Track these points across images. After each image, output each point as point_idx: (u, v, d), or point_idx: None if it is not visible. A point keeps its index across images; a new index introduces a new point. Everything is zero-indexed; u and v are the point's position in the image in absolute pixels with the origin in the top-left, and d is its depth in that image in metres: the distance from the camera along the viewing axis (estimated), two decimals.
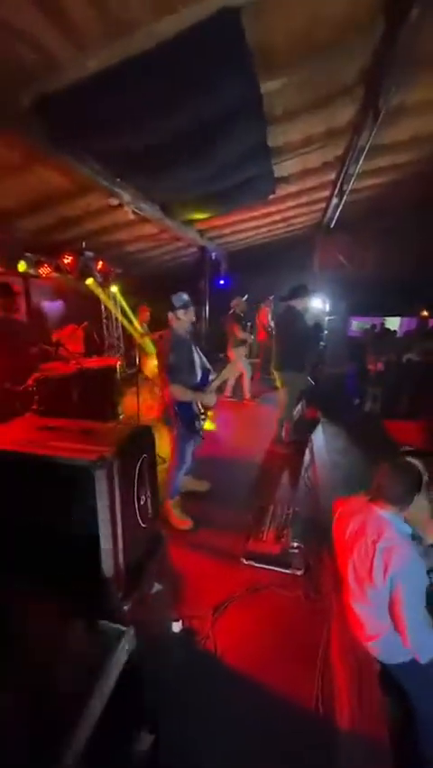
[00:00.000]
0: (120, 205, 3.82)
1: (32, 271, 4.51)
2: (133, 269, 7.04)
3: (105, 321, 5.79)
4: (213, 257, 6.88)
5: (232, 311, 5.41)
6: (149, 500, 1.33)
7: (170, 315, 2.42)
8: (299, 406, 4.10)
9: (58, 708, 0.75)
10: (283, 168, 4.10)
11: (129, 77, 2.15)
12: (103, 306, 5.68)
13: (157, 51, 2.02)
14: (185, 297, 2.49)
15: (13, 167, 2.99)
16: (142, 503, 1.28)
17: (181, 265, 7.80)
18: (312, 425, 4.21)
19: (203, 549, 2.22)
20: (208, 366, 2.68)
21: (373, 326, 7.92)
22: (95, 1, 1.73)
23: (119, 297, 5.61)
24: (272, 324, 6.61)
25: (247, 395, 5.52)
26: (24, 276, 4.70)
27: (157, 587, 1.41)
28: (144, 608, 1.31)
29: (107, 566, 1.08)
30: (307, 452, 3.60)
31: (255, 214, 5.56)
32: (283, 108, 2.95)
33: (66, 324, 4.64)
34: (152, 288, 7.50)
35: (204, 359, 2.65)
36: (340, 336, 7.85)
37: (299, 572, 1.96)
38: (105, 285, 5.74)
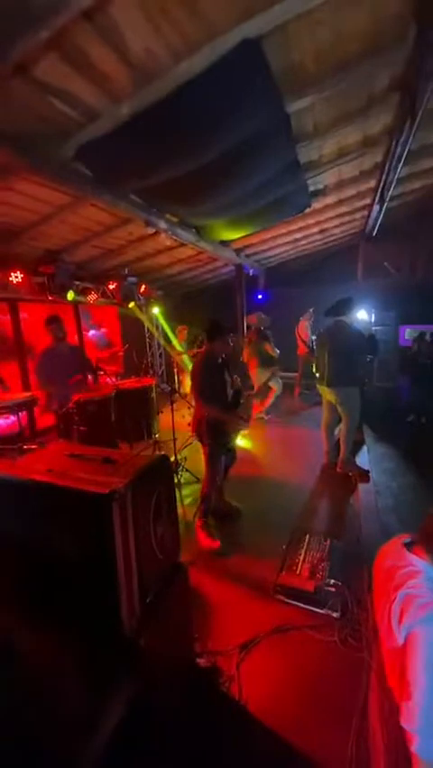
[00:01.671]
0: (157, 233, 4.02)
1: (80, 299, 4.91)
2: (174, 290, 7.33)
3: (147, 341, 6.04)
4: (250, 273, 6.91)
5: (254, 328, 5.21)
6: (167, 531, 1.32)
7: (219, 338, 2.54)
8: (338, 428, 3.85)
9: None
10: (318, 180, 4.04)
11: (158, 119, 2.28)
12: (146, 328, 5.95)
13: (183, 92, 2.12)
14: (222, 324, 2.60)
15: (60, 207, 3.30)
16: (159, 534, 1.27)
17: (220, 283, 7.95)
18: (356, 447, 3.93)
19: (231, 577, 2.14)
20: (240, 388, 2.67)
21: (423, 334, 7.26)
22: (122, 55, 1.87)
23: (160, 319, 5.84)
24: (313, 338, 6.40)
25: (257, 411, 5.23)
26: (73, 303, 5.11)
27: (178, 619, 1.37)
28: (163, 641, 1.28)
29: (121, 599, 1.07)
30: (349, 475, 3.36)
31: (293, 227, 5.51)
32: (314, 124, 2.92)
33: (110, 346, 4.93)
34: (192, 306, 7.74)
35: (235, 380, 2.65)
36: (390, 348, 7.36)
37: (334, 614, 1.79)
38: (146, 307, 6.03)
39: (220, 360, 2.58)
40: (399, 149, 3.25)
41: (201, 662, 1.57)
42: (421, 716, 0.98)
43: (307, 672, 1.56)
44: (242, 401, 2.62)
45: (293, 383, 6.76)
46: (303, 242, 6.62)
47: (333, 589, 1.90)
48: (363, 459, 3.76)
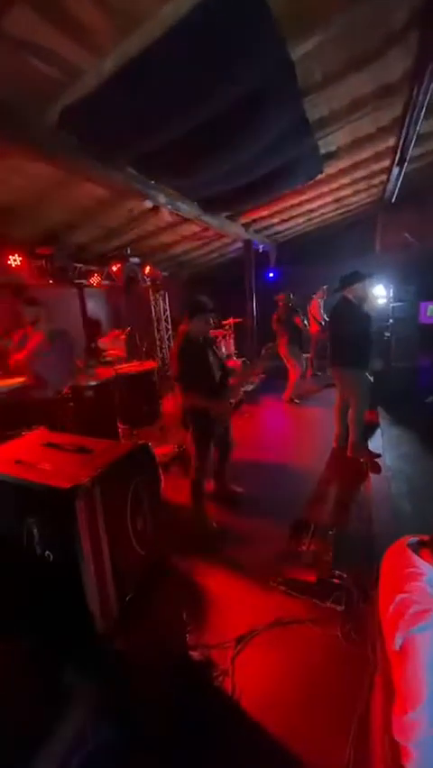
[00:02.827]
0: (156, 208, 3.81)
1: (84, 282, 4.81)
2: (180, 271, 7.10)
3: (155, 324, 5.92)
4: (260, 250, 6.58)
5: (284, 302, 5.06)
6: (149, 525, 1.23)
7: (197, 317, 2.31)
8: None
9: None
10: (330, 141, 3.69)
11: (146, 70, 2.06)
12: (153, 310, 5.82)
13: (170, 37, 1.89)
14: (203, 302, 2.36)
15: (54, 184, 3.14)
16: (139, 527, 1.18)
17: (229, 262, 7.64)
18: (369, 431, 3.74)
19: (230, 565, 2.06)
20: (227, 367, 2.51)
21: None
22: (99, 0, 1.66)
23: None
24: (325, 316, 6.11)
25: (288, 396, 5.09)
26: (78, 286, 5.01)
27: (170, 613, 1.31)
28: (147, 638, 1.21)
29: (92, 600, 0.99)
30: (361, 460, 3.20)
31: (304, 197, 5.15)
32: (322, 72, 2.61)
33: (115, 329, 4.84)
34: (199, 288, 7.50)
35: (222, 359, 2.48)
36: (409, 325, 6.94)
37: (338, 608, 1.69)
38: (153, 289, 5.87)
39: (201, 339, 2.37)
40: (420, 97, 2.89)
41: (194, 655, 1.52)
42: (420, 730, 0.89)
43: (306, 668, 1.48)
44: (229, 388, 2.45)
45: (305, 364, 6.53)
46: (316, 214, 6.21)
47: (337, 582, 1.79)
48: (376, 443, 3.58)
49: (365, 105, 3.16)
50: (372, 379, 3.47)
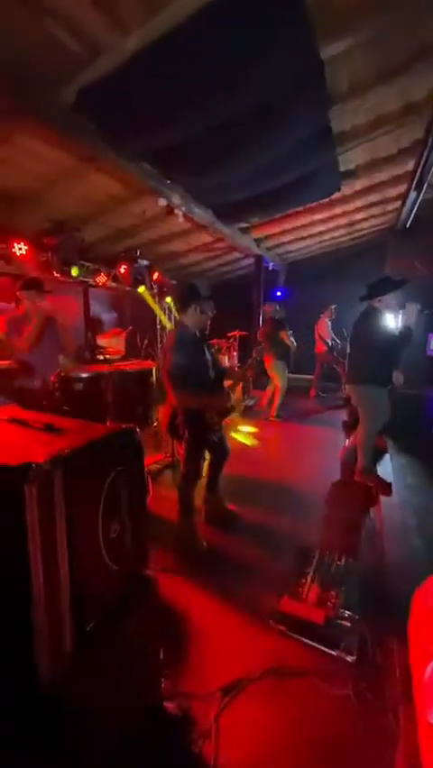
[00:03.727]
0: (170, 209, 3.73)
1: (90, 281, 4.68)
2: (189, 282, 7.05)
3: (159, 328, 5.78)
4: (270, 267, 6.55)
5: (270, 316, 4.89)
6: (126, 531, 0.97)
7: (192, 307, 2.07)
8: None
9: None
10: (350, 159, 3.67)
11: (170, 52, 1.98)
12: (157, 317, 5.69)
13: (197, 19, 1.81)
14: (197, 288, 2.14)
15: (65, 171, 3.05)
16: (112, 534, 0.92)
17: (237, 279, 7.62)
18: (377, 456, 3.49)
19: (220, 593, 1.75)
20: (222, 368, 2.28)
21: None
22: None
23: (173, 308, 5.56)
24: (333, 335, 5.99)
25: (273, 413, 4.86)
26: (83, 284, 4.89)
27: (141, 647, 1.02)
28: (111, 682, 0.92)
29: (39, 632, 0.72)
30: (370, 485, 2.93)
31: (317, 217, 5.14)
32: (350, 80, 2.57)
33: (117, 329, 4.68)
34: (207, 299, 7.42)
35: (217, 360, 2.26)
36: (417, 354, 6.82)
37: (349, 658, 1.39)
38: (160, 296, 5.76)
39: (197, 334, 2.11)
40: None
41: (170, 707, 1.21)
42: None
43: (308, 735, 1.17)
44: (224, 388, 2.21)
45: (309, 385, 6.35)
46: (327, 237, 6.23)
47: (348, 624, 1.50)
48: (384, 469, 3.31)
49: (389, 122, 3.13)
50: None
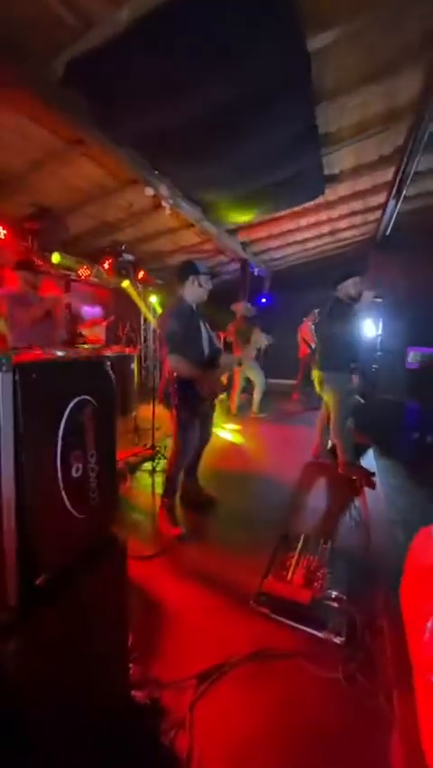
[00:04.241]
0: (157, 202, 3.71)
1: (72, 275, 4.57)
2: (174, 284, 7.04)
3: (143, 325, 5.69)
4: (255, 273, 6.63)
5: (242, 314, 4.92)
6: (95, 476, 0.85)
7: (190, 280, 2.07)
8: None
9: None
10: (334, 162, 3.78)
11: (160, 28, 1.98)
12: (141, 315, 5.61)
13: None
14: (194, 263, 2.17)
15: (49, 152, 2.99)
16: (75, 473, 0.80)
17: (223, 283, 7.66)
18: (360, 450, 3.46)
19: (200, 578, 1.61)
20: (219, 345, 2.24)
21: (429, 356, 6.85)
22: None
23: (157, 307, 5.48)
24: (316, 338, 6.06)
25: (254, 409, 4.85)
26: (66, 280, 4.77)
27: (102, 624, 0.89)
28: (65, 654, 0.78)
29: None
30: (354, 476, 2.87)
31: (303, 223, 5.26)
32: (335, 78, 2.65)
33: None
34: None
35: (213, 337, 2.23)
36: (397, 364, 6.99)
37: (338, 639, 1.27)
38: (144, 294, 5.69)
39: (194, 306, 2.13)
40: (423, 127, 3.00)
41: (138, 695, 1.05)
42: None
43: (294, 722, 1.04)
44: (222, 359, 2.18)
45: (290, 390, 6.37)
46: (312, 245, 6.38)
47: (336, 605, 1.39)
48: (369, 463, 3.27)
49: (373, 126, 3.25)
50: (362, 399, 3.26)
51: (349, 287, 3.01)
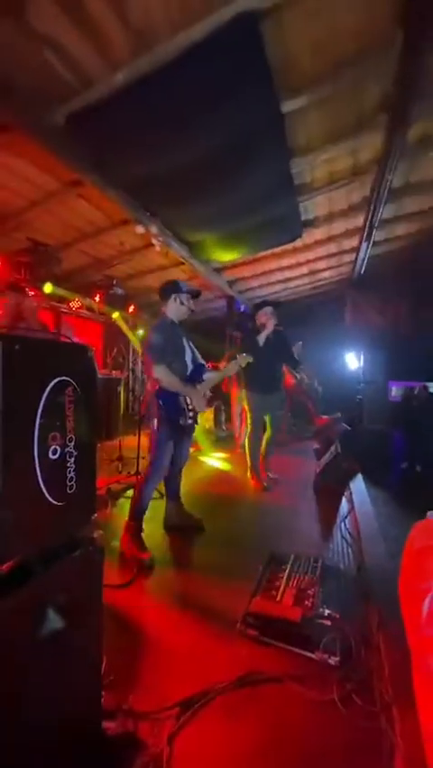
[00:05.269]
0: (148, 241, 3.95)
1: (62, 307, 4.69)
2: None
3: (131, 356, 5.74)
4: (241, 309, 6.93)
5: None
6: (73, 461, 0.83)
7: (172, 298, 2.16)
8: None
9: None
10: (310, 208, 4.17)
11: (152, 89, 2.27)
12: (130, 346, 5.69)
13: (178, 62, 2.12)
14: (177, 282, 2.29)
15: (46, 193, 3.21)
16: (55, 456, 0.78)
17: (209, 321, 7.94)
18: (349, 475, 3.43)
19: (183, 603, 1.49)
20: (202, 361, 2.28)
21: (410, 390, 7.04)
22: (122, 15, 1.86)
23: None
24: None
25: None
26: (56, 311, 4.87)
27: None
28: (32, 655, 0.71)
29: None
30: (343, 500, 2.81)
31: (284, 263, 5.64)
32: (307, 137, 3.02)
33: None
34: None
35: (197, 354, 2.28)
36: (380, 396, 7.17)
37: (332, 660, 1.18)
38: (133, 328, 5.83)
39: (178, 323, 2.21)
40: (387, 176, 3.39)
41: (110, 726, 0.93)
42: None
43: (288, 749, 0.92)
44: (205, 376, 2.21)
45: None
46: (292, 285, 6.79)
47: (328, 623, 1.30)
48: (357, 487, 3.23)
49: (341, 179, 3.65)
50: (348, 427, 3.38)
51: (263, 316, 3.46)
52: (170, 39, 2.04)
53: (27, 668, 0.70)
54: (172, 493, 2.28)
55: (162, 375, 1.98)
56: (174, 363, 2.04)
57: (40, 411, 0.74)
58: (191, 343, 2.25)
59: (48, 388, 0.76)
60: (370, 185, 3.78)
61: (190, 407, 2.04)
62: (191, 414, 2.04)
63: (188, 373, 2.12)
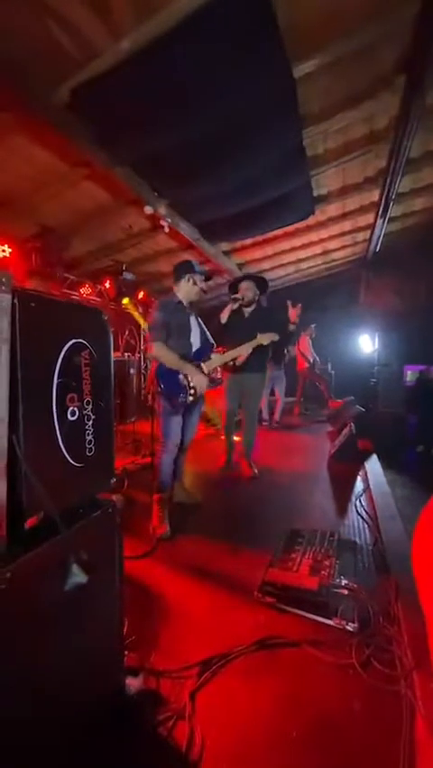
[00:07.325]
0: (156, 223, 3.89)
1: (73, 293, 4.70)
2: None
3: (143, 341, 5.75)
4: None
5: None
6: (91, 424, 0.83)
7: (186, 278, 2.12)
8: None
9: None
10: (322, 183, 4.01)
11: (158, 58, 2.18)
12: (142, 331, 5.70)
13: (183, 28, 2.03)
14: (191, 262, 2.24)
15: (53, 175, 3.17)
16: (73, 417, 0.78)
17: (221, 305, 7.86)
18: (364, 456, 3.39)
19: (202, 573, 1.52)
20: (212, 341, 2.25)
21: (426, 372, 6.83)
22: None
23: None
24: (313, 352, 6.14)
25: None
26: (67, 296, 4.89)
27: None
28: (48, 608, 0.72)
29: None
30: (358, 479, 2.79)
31: (296, 243, 5.49)
32: (318, 104, 2.88)
33: None
34: None
35: (208, 334, 2.25)
36: (395, 380, 7.02)
37: (350, 626, 1.18)
38: (144, 314, 5.82)
39: (187, 304, 2.17)
40: (402, 150, 3.22)
41: (132, 683, 0.96)
42: None
43: (307, 713, 0.94)
44: (213, 354, 2.19)
45: (291, 406, 6.35)
46: (305, 266, 6.62)
47: (345, 592, 1.30)
48: (374, 465, 3.19)
49: (356, 148, 3.49)
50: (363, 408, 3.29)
51: (246, 290, 3.18)
52: (175, 4, 1.95)
53: (53, 619, 0.72)
54: (175, 473, 2.28)
55: (158, 351, 1.99)
56: (178, 341, 2.04)
57: (57, 370, 0.74)
58: (201, 322, 2.23)
59: (64, 348, 0.76)
60: (386, 155, 3.60)
61: (192, 385, 2.04)
62: (192, 391, 2.04)
63: (194, 351, 2.11)
